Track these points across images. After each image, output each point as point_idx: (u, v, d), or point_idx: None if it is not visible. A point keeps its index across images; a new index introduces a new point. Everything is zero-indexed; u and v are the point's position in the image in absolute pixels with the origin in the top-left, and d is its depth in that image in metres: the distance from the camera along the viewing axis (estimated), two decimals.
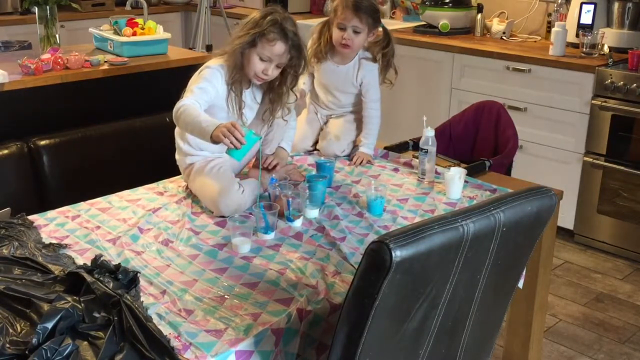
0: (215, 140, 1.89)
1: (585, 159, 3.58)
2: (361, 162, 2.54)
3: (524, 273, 1.96)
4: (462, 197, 2.24)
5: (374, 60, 2.58)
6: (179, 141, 2.25)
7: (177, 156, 2.29)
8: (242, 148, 1.89)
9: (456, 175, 2.24)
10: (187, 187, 2.27)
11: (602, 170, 3.53)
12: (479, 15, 4.26)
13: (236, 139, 1.86)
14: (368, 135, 2.60)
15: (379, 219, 2.10)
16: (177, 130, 2.25)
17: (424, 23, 4.38)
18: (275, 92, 2.22)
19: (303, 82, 2.56)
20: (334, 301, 1.64)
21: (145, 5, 3.83)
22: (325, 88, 2.63)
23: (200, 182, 2.16)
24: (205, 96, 2.08)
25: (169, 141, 2.32)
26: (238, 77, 2.15)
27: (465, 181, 2.29)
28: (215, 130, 1.88)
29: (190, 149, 2.21)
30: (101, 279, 1.57)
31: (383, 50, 2.57)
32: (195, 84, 2.11)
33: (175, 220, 2.06)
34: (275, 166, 2.29)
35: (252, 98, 2.25)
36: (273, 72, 2.15)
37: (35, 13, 3.35)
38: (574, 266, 3.51)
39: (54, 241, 1.91)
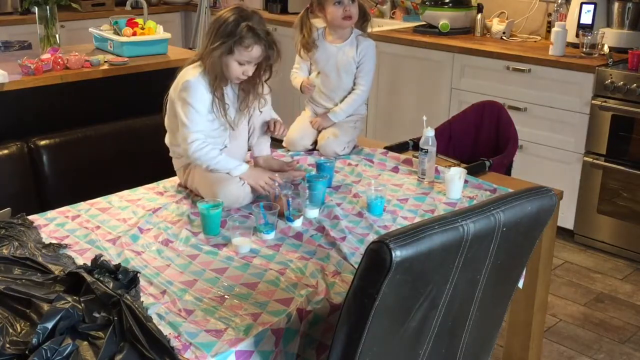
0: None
1: (585, 159, 3.58)
2: (318, 125, 2.61)
3: (524, 273, 1.96)
4: (462, 197, 2.24)
5: (368, 36, 2.66)
6: (172, 147, 2.28)
7: (173, 160, 2.30)
8: (209, 223, 1.97)
9: (456, 175, 2.24)
10: (186, 187, 2.27)
11: (602, 170, 3.53)
12: (479, 15, 4.26)
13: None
14: (343, 104, 2.63)
15: (379, 219, 2.10)
16: (167, 136, 2.28)
17: (424, 23, 4.38)
18: (249, 82, 2.23)
19: (315, 75, 2.63)
20: (334, 301, 1.64)
21: (145, 5, 3.83)
22: (326, 74, 2.63)
23: (200, 175, 2.17)
24: (203, 122, 2.12)
25: None
26: (219, 82, 2.16)
27: (465, 181, 2.29)
28: None
29: None
30: (101, 279, 1.57)
31: (365, 23, 2.66)
32: (185, 112, 2.11)
33: (175, 220, 2.06)
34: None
35: (233, 94, 2.25)
36: (251, 71, 2.17)
37: (35, 13, 3.35)
38: (574, 266, 3.51)
39: (54, 241, 1.91)
